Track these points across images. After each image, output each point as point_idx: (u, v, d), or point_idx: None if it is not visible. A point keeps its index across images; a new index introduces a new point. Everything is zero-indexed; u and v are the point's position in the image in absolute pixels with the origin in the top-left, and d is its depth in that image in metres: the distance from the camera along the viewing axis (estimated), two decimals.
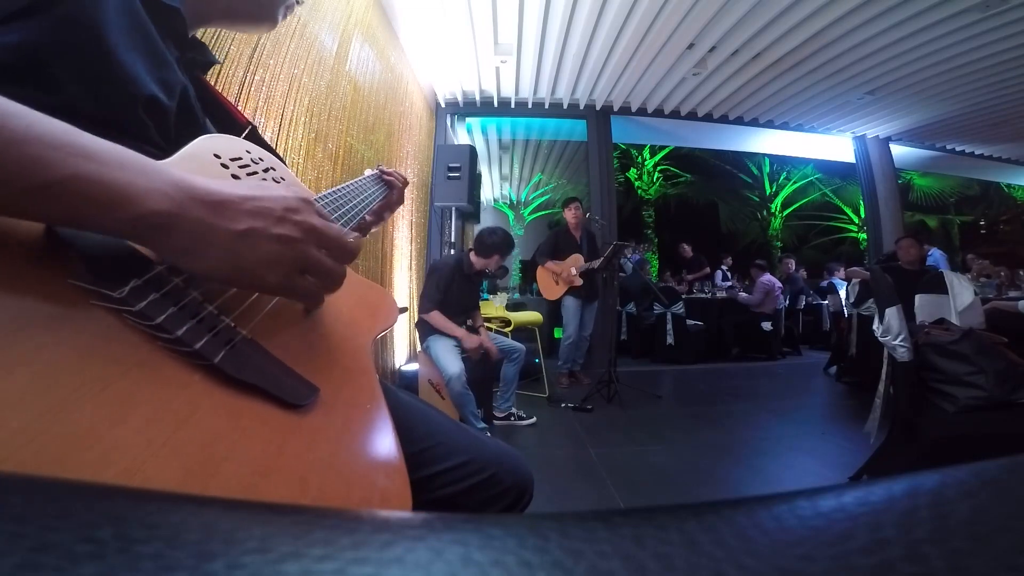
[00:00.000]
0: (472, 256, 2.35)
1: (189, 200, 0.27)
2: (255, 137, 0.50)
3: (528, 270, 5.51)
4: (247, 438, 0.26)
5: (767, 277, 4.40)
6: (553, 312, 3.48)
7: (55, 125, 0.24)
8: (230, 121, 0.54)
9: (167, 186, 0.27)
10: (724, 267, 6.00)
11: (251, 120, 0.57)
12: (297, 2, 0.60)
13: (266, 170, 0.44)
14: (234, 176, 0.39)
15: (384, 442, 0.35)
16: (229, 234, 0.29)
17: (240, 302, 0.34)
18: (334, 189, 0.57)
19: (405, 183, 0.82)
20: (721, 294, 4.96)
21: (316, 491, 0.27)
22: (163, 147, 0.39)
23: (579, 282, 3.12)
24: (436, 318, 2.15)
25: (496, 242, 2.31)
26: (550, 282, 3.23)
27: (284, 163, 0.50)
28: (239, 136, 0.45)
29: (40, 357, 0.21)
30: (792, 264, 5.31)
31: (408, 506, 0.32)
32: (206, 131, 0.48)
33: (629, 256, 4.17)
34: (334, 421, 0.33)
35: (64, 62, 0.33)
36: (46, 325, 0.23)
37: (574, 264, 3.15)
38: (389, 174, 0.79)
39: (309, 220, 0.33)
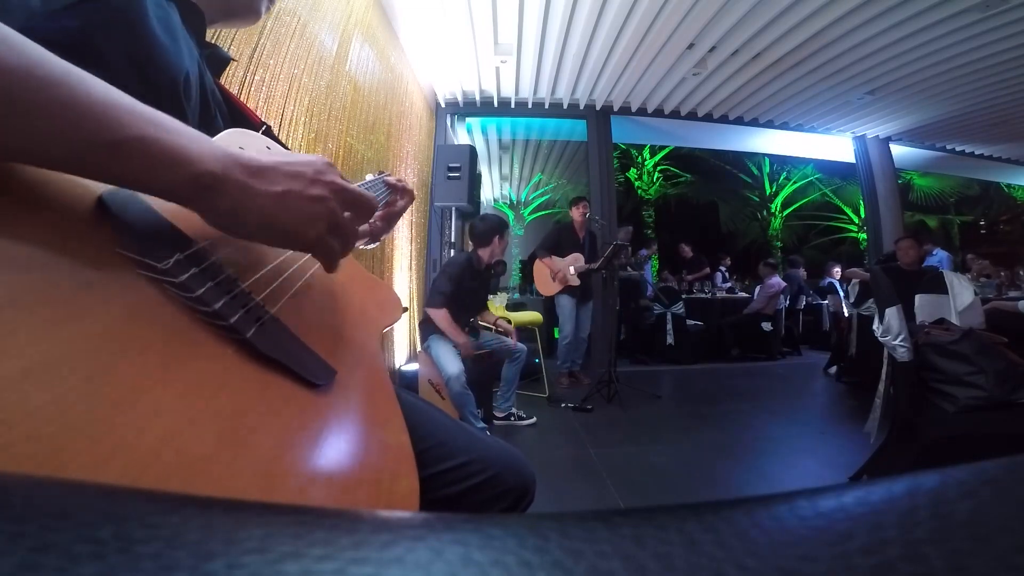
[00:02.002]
0: (478, 252, 2.36)
1: (233, 165, 0.30)
2: (270, 135, 0.52)
3: (528, 268, 5.51)
4: (273, 411, 0.28)
5: (775, 280, 4.40)
6: (551, 310, 3.47)
7: (123, 94, 0.26)
8: (244, 121, 0.57)
9: (217, 152, 0.29)
10: (723, 268, 6.00)
11: (264, 121, 0.59)
12: None
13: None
14: None
15: (395, 424, 0.37)
16: (268, 195, 0.31)
17: (268, 283, 0.36)
18: None
19: (411, 195, 0.82)
20: (720, 294, 4.96)
21: (334, 464, 0.29)
22: None
23: (576, 282, 3.12)
24: (442, 318, 2.12)
25: (490, 226, 2.34)
26: (546, 277, 3.22)
27: None
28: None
29: (90, 321, 0.22)
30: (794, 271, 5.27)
31: (415, 483, 0.34)
32: (219, 119, 0.51)
33: (640, 255, 4.19)
34: (350, 401, 0.35)
35: (115, 46, 0.36)
36: (96, 290, 0.24)
37: (573, 263, 3.14)
38: (394, 181, 0.79)
39: (336, 180, 0.36)
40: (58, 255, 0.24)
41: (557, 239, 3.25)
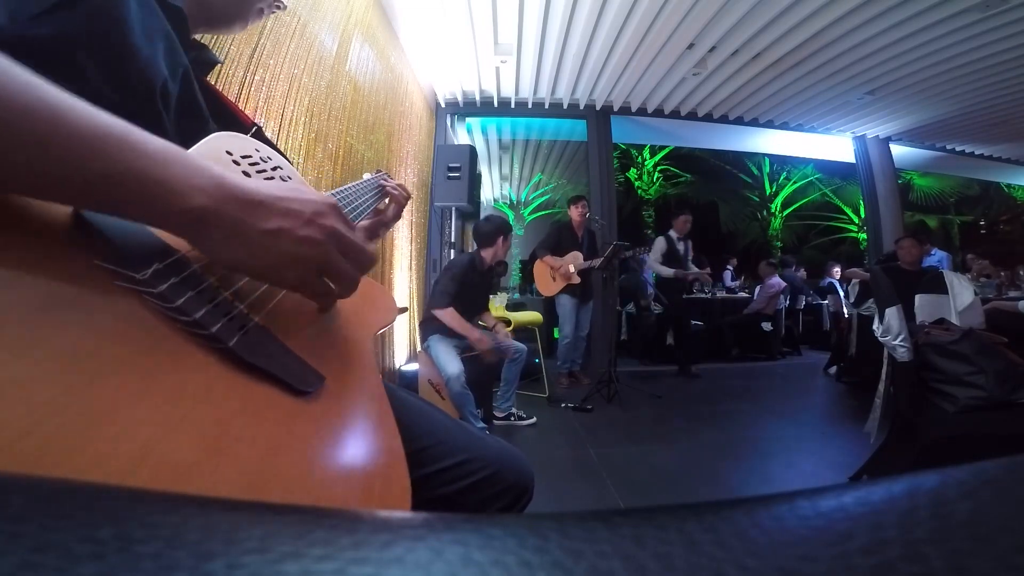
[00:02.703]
0: (481, 253, 2.37)
1: (226, 198, 0.29)
2: (261, 137, 0.51)
3: (528, 268, 5.50)
4: (258, 420, 0.27)
5: (775, 280, 4.40)
6: (550, 310, 3.47)
7: (111, 121, 0.25)
8: (235, 122, 0.55)
9: (208, 183, 0.28)
10: (730, 267, 6.01)
11: (255, 121, 0.57)
12: (278, 7, 0.60)
13: (274, 168, 0.46)
14: (244, 173, 0.41)
15: (385, 429, 0.37)
16: (258, 232, 0.31)
17: (253, 291, 0.35)
18: (335, 191, 0.57)
19: (407, 198, 0.80)
20: (721, 294, 4.96)
21: (321, 472, 0.29)
22: (172, 139, 0.41)
23: (577, 280, 3.12)
24: (450, 316, 2.10)
25: (494, 227, 2.35)
26: (547, 277, 3.23)
27: (290, 162, 0.51)
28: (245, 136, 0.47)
29: (66, 334, 0.22)
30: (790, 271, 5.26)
31: (407, 490, 0.33)
32: (208, 123, 0.49)
33: (639, 254, 4.15)
34: (339, 408, 0.34)
35: (90, 53, 0.34)
36: (72, 304, 0.23)
37: (573, 261, 3.14)
38: (391, 187, 0.76)
39: (334, 225, 0.34)
40: (35, 268, 0.23)
41: (556, 238, 3.25)
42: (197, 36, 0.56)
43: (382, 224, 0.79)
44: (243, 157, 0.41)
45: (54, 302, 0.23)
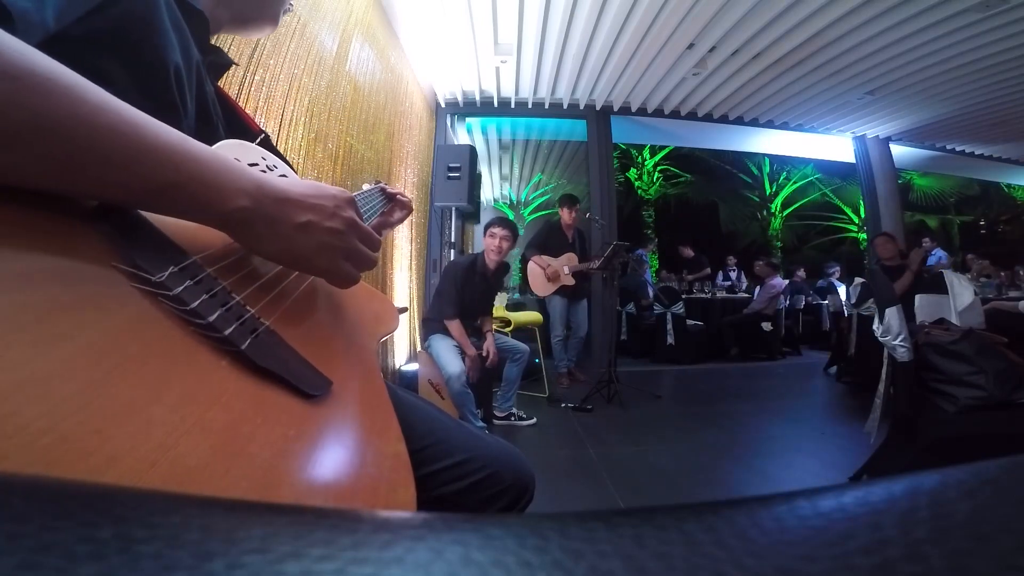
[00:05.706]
0: (484, 247, 2.37)
1: (264, 198, 0.33)
2: (268, 145, 0.52)
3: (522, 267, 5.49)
4: (269, 422, 0.28)
5: (777, 280, 4.40)
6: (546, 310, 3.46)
7: (172, 133, 0.29)
8: (244, 128, 0.56)
9: (249, 185, 0.33)
10: (730, 268, 6.02)
11: (263, 129, 0.58)
12: (290, 7, 0.61)
13: (279, 177, 0.46)
14: None
15: (391, 435, 0.37)
16: (292, 225, 0.35)
17: (263, 295, 0.36)
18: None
19: (410, 208, 0.83)
20: (721, 294, 4.96)
21: (330, 474, 0.29)
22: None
23: (571, 282, 3.11)
24: (456, 329, 2.16)
25: (504, 223, 2.37)
26: (541, 278, 3.21)
27: (294, 170, 0.51)
28: (252, 142, 0.48)
29: (84, 334, 0.22)
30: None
31: (413, 494, 0.33)
32: (218, 129, 0.50)
33: (638, 254, 4.12)
34: (346, 412, 0.35)
35: (121, 55, 0.36)
36: (90, 304, 0.24)
37: (568, 262, 3.14)
38: (399, 194, 0.81)
39: (352, 216, 0.39)
40: (54, 268, 0.24)
41: (545, 239, 3.25)
42: (219, 37, 0.56)
43: (386, 225, 0.81)
44: (251, 165, 0.43)
45: (73, 302, 0.23)
